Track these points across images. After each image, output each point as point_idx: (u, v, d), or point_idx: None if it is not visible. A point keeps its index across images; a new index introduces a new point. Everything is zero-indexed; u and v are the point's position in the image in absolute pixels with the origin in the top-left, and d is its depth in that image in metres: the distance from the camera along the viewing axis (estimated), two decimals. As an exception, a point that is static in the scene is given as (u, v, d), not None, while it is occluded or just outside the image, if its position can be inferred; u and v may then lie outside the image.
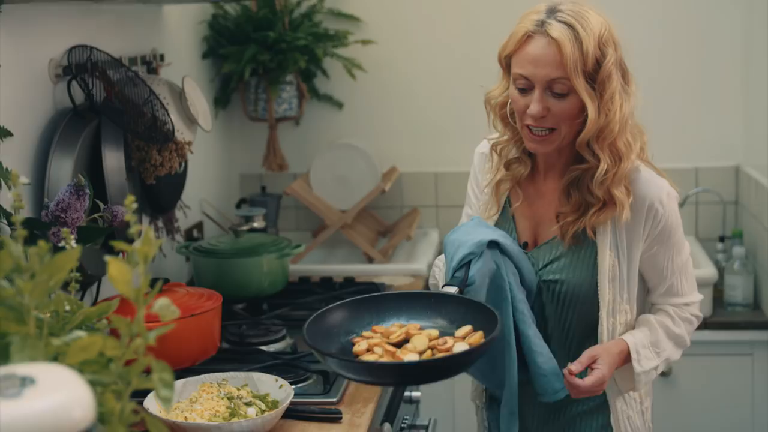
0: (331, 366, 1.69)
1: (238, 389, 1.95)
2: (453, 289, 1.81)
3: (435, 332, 1.76)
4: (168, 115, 2.42)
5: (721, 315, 3.08)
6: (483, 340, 1.66)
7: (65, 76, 2.27)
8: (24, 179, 1.12)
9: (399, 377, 1.72)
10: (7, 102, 2.05)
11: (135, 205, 1.22)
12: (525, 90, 1.87)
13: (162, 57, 2.85)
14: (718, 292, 3.14)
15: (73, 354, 1.12)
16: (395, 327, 1.81)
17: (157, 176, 2.49)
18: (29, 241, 1.91)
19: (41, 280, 1.12)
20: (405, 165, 3.55)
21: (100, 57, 2.35)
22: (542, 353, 1.89)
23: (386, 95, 3.53)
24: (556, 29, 1.81)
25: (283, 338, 2.43)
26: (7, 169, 1.95)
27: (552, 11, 1.84)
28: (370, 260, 3.19)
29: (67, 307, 1.35)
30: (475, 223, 1.96)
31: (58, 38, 2.28)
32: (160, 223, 2.80)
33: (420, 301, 1.84)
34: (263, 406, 1.90)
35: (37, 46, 2.20)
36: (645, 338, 1.95)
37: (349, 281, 2.92)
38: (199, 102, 2.66)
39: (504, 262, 1.87)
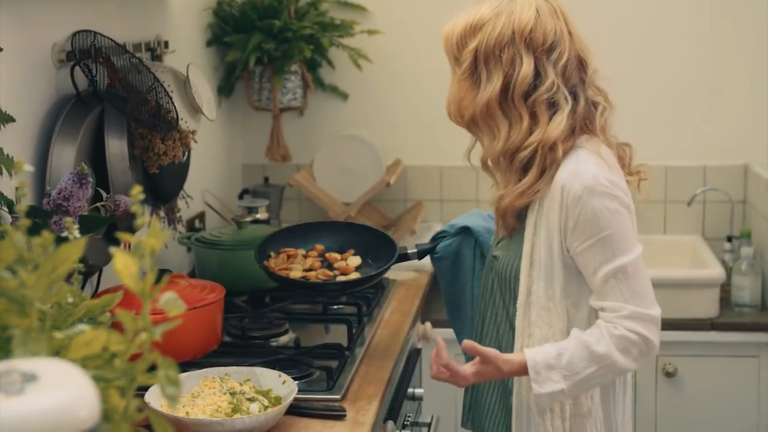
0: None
1: (241, 384, 1.91)
2: (414, 250, 2.23)
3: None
4: (172, 103, 2.37)
5: (728, 316, 3.04)
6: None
7: (68, 62, 2.23)
8: (28, 167, 1.08)
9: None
10: (9, 87, 2.01)
11: (142, 196, 1.18)
12: None
13: (166, 44, 2.80)
14: (725, 292, 3.11)
15: (76, 348, 1.08)
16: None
17: (160, 165, 2.45)
18: (30, 229, 1.88)
19: (45, 272, 1.08)
20: (410, 158, 3.51)
21: (104, 42, 2.30)
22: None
23: (392, 87, 3.48)
24: (450, 21, 1.95)
25: (285, 332, 2.39)
26: (8, 155, 1.91)
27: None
28: (373, 254, 3.15)
29: (70, 299, 1.31)
30: (471, 212, 2.24)
31: (61, 23, 2.24)
32: (162, 213, 2.75)
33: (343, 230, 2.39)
34: (266, 402, 1.86)
35: (40, 31, 2.16)
36: (554, 357, 1.80)
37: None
38: (204, 90, 2.62)
39: (473, 249, 2.15)
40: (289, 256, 2.32)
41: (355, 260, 2.32)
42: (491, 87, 1.85)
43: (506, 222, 1.93)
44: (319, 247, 2.34)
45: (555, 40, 1.86)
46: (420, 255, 2.23)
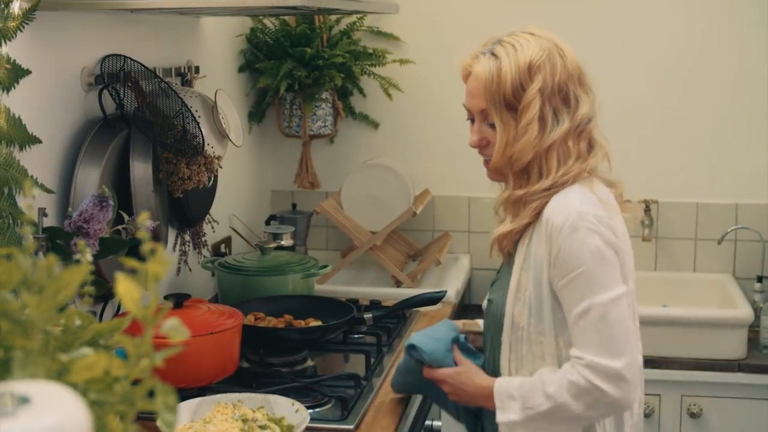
0: None
1: (254, 411, 1.91)
2: (369, 315, 2.57)
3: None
4: (199, 128, 2.39)
5: (755, 357, 2.99)
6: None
7: (97, 85, 2.25)
8: (34, 190, 1.09)
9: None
10: (38, 109, 2.04)
11: (148, 222, 1.19)
12: (472, 121, 1.92)
13: (197, 69, 2.83)
14: (753, 333, 3.06)
15: (77, 372, 1.09)
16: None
17: (184, 189, 2.47)
18: (52, 250, 1.90)
19: (48, 295, 1.09)
20: (438, 188, 3.50)
21: (133, 67, 2.33)
22: None
23: (422, 116, 3.49)
24: (481, 64, 1.84)
25: (303, 360, 2.39)
26: (32, 176, 1.93)
27: (492, 43, 1.87)
28: (398, 284, 3.14)
29: (78, 322, 1.32)
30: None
31: (91, 47, 2.27)
32: (187, 237, 2.77)
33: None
34: (278, 430, 1.85)
35: (70, 54, 2.19)
36: (516, 388, 1.80)
37: (375, 304, 2.87)
38: (231, 116, 2.64)
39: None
40: (256, 318, 2.47)
41: (315, 323, 2.46)
42: (561, 127, 1.81)
43: (504, 249, 1.93)
44: (288, 316, 2.49)
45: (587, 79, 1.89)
46: (374, 320, 2.55)
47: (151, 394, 1.13)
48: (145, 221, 1.18)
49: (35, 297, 1.08)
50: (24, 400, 0.90)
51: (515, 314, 1.83)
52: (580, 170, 1.82)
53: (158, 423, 1.82)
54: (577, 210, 1.76)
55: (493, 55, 1.83)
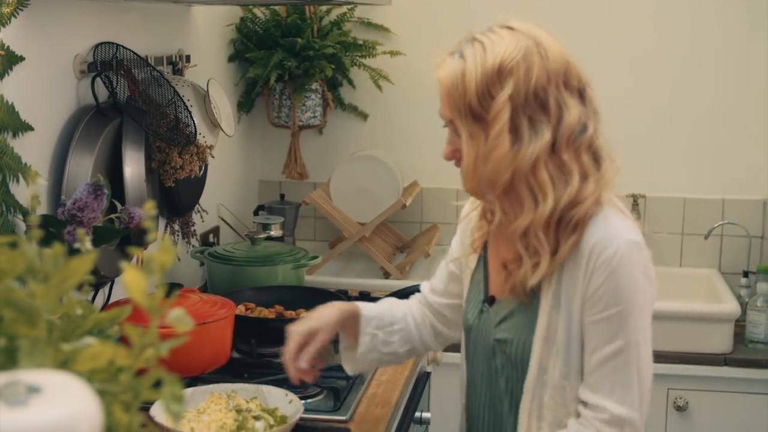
0: None
1: (248, 402, 1.91)
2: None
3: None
4: (191, 117, 2.38)
5: (741, 352, 3.01)
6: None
7: (90, 73, 2.24)
8: (42, 179, 1.08)
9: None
10: (30, 96, 2.02)
11: (154, 211, 1.18)
12: (447, 128, 1.66)
13: (188, 58, 2.82)
14: (739, 327, 3.08)
15: (82, 361, 1.08)
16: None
17: (176, 179, 2.46)
18: (44, 238, 1.88)
19: (54, 284, 1.08)
20: (427, 180, 3.50)
21: (125, 55, 2.32)
22: None
23: (412, 108, 3.48)
24: (446, 67, 1.59)
25: (295, 350, 2.38)
26: (26, 164, 1.92)
27: (466, 41, 1.60)
28: (386, 275, 3.14)
29: (79, 311, 1.31)
30: None
31: (84, 34, 2.25)
32: (176, 226, 2.76)
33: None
34: (272, 421, 1.85)
35: (62, 41, 2.17)
36: None
37: (364, 296, 2.86)
38: (223, 106, 2.63)
39: None
40: (247, 308, 2.47)
41: (306, 314, 2.41)
42: (539, 139, 1.53)
43: (519, 296, 1.64)
44: (279, 307, 2.49)
45: (583, 79, 1.60)
46: None
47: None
48: (151, 210, 1.17)
49: (41, 285, 1.07)
50: (35, 390, 0.89)
51: (543, 359, 1.60)
52: (598, 191, 1.57)
53: (151, 411, 1.82)
54: (625, 239, 1.54)
55: (462, 56, 1.57)
